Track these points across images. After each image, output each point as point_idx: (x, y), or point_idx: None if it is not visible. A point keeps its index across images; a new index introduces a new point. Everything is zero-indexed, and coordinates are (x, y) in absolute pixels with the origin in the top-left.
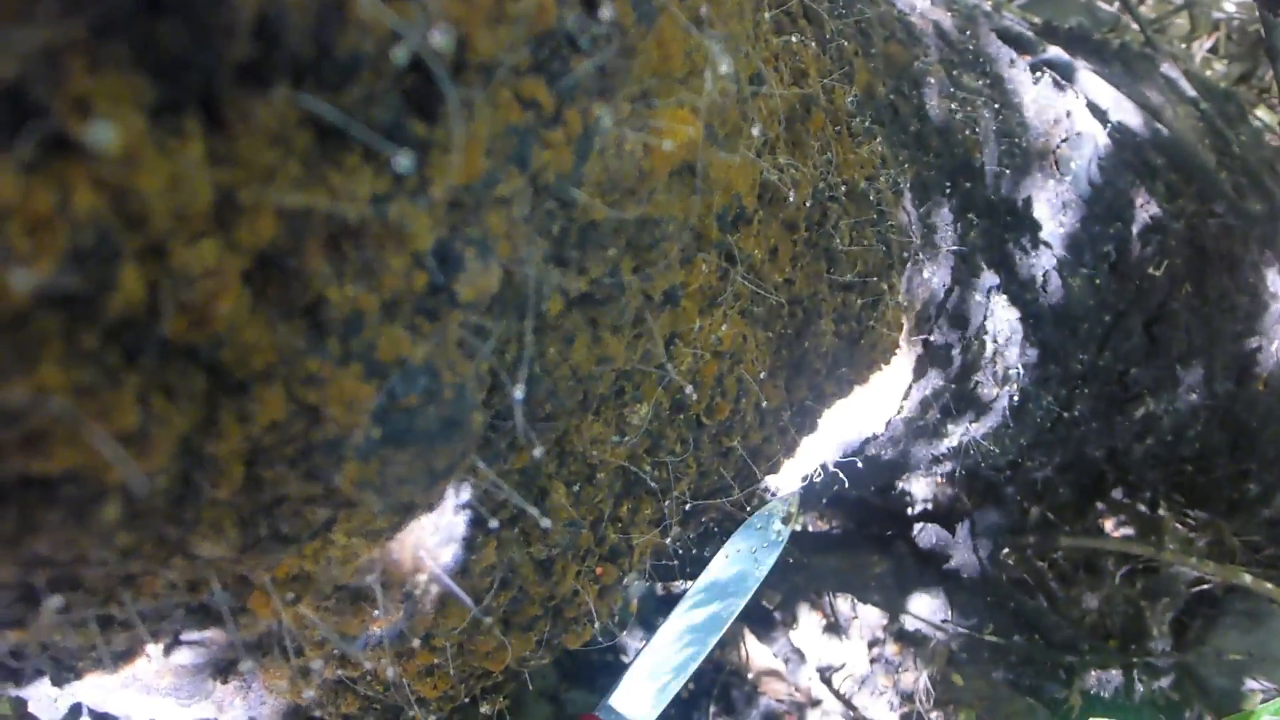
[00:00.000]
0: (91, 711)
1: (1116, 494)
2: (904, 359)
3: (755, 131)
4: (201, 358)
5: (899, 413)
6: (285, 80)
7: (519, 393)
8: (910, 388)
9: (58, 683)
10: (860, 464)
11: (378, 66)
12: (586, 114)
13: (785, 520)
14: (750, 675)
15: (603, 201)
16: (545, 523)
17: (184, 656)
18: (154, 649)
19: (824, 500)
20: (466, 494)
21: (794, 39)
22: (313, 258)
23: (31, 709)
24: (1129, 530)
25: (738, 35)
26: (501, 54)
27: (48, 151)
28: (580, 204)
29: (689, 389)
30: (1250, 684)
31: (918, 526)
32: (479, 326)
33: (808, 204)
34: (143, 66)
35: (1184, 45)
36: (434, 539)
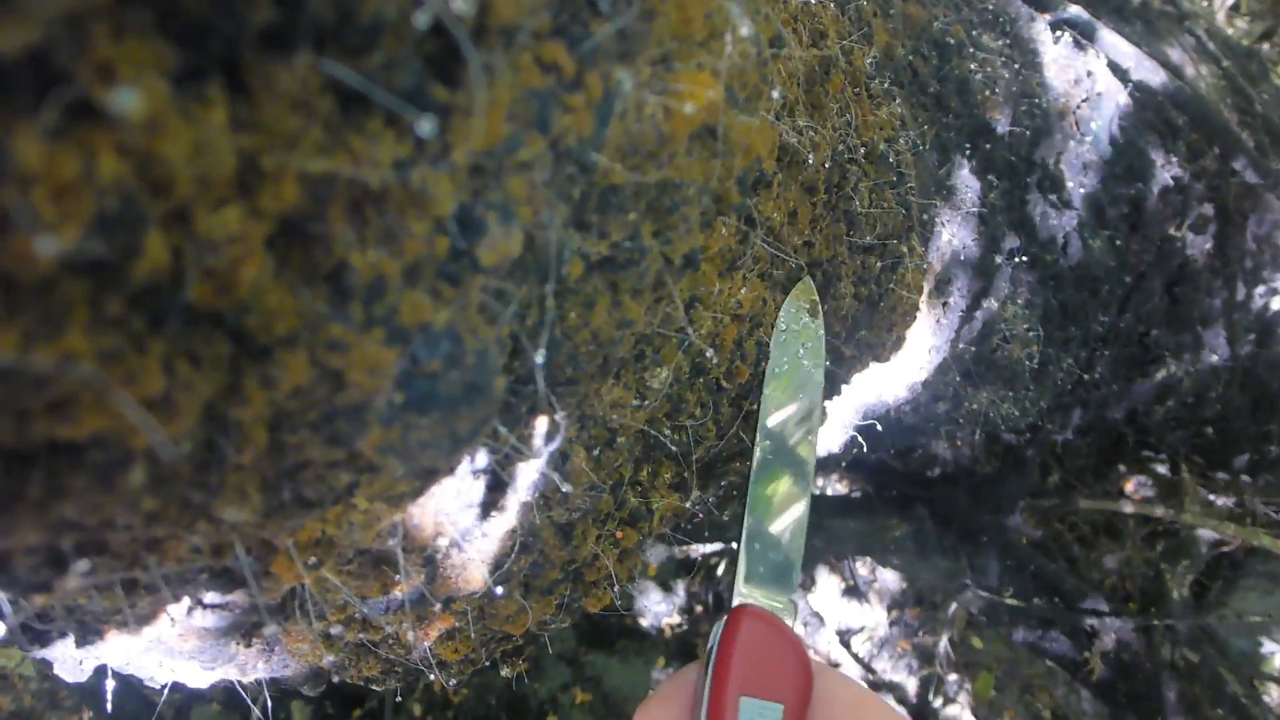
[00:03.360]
0: (115, 673)
1: (1137, 456)
2: (924, 321)
3: (775, 94)
4: (225, 323)
5: (919, 375)
6: (307, 46)
7: (540, 357)
8: (930, 350)
9: (82, 645)
10: (880, 427)
11: (399, 31)
12: (607, 78)
13: (812, 311)
14: None
15: (623, 165)
16: (566, 487)
17: (207, 620)
18: (178, 612)
19: (843, 464)
20: (487, 459)
21: (813, 0)
22: (335, 223)
23: (56, 670)
24: (1149, 493)
25: None
26: (522, 18)
27: (72, 118)
28: (601, 168)
29: (709, 352)
30: (1270, 646)
31: (937, 490)
32: (500, 291)
33: (827, 166)
34: (166, 33)
35: (1205, 3)
36: (455, 503)
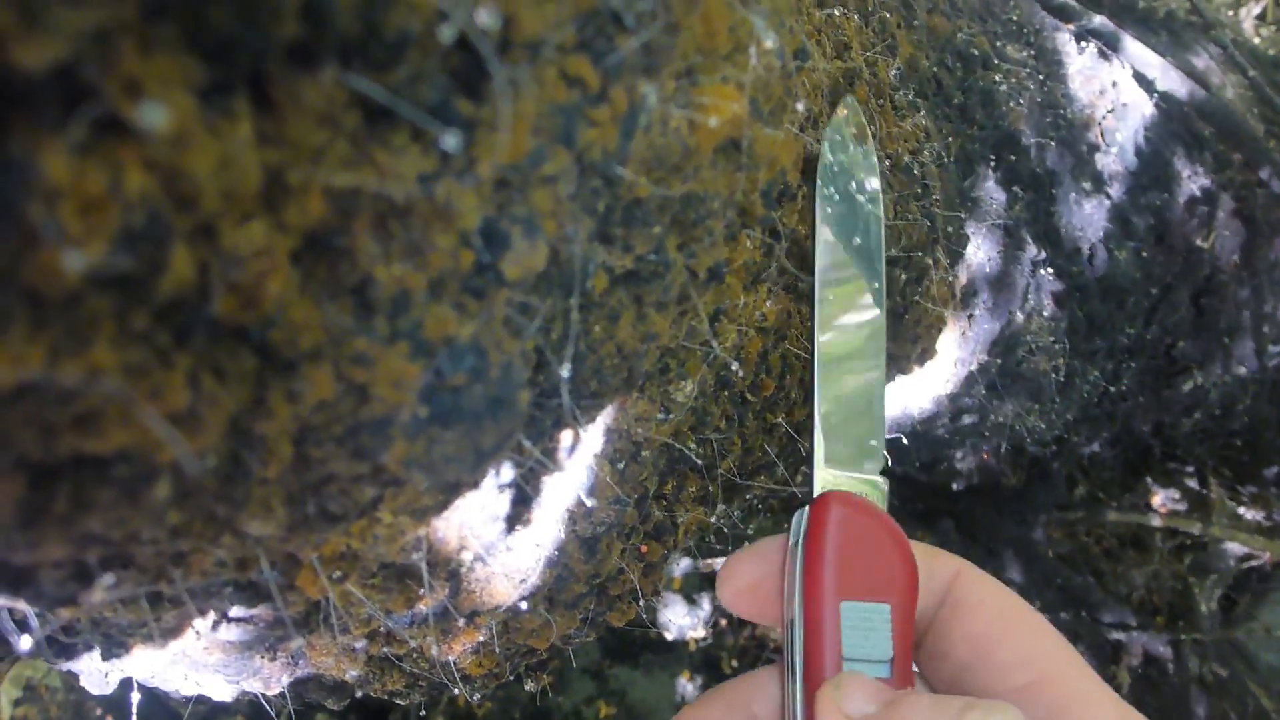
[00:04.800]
0: (141, 686)
1: (1164, 469)
2: (949, 334)
3: (800, 107)
4: (251, 338)
5: (944, 388)
6: (333, 60)
7: (565, 371)
8: (955, 363)
9: (108, 657)
10: (905, 440)
11: (425, 45)
12: (632, 91)
13: (859, 136)
14: None
15: (648, 178)
16: (590, 501)
17: (232, 633)
18: (202, 625)
19: None
20: (512, 472)
21: (836, 12)
22: (361, 237)
23: (83, 683)
24: (1177, 506)
25: (782, 9)
26: (547, 32)
27: (99, 133)
28: (625, 181)
29: (734, 365)
30: None
31: (962, 503)
32: (525, 304)
33: None
34: (193, 48)
35: (1231, 12)
36: (480, 517)
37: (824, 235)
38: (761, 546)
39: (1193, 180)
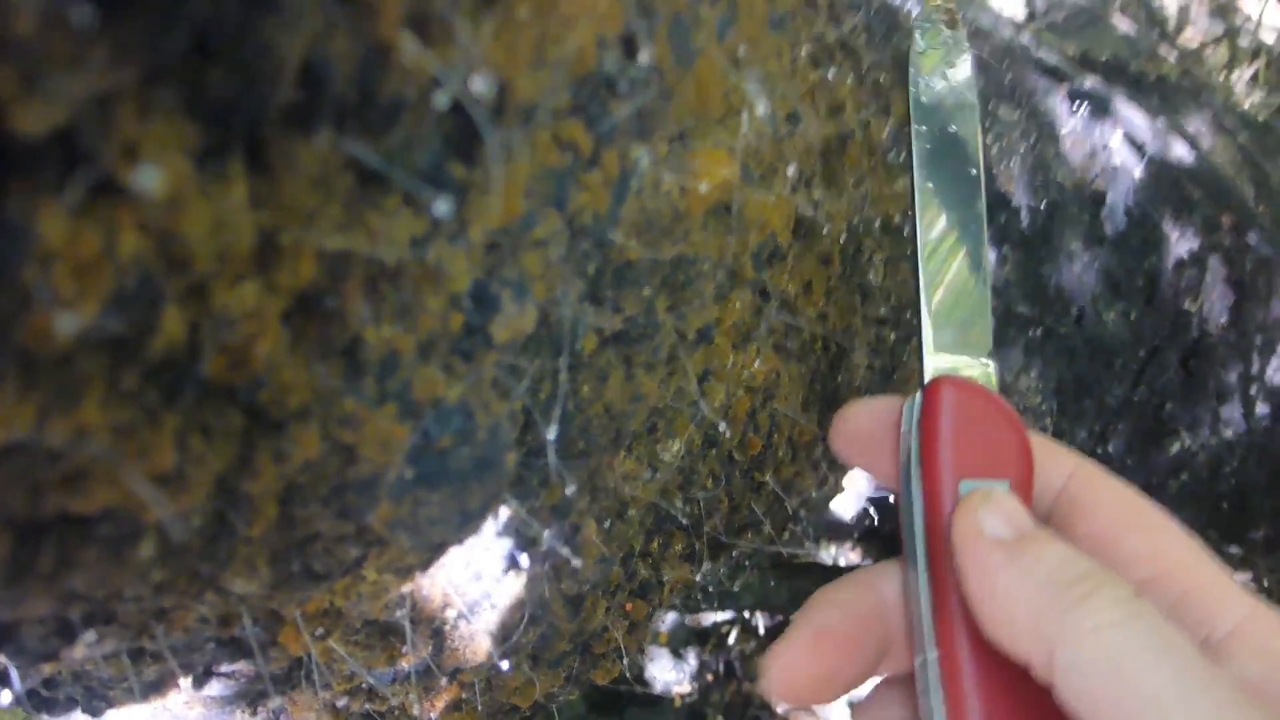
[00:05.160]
0: None
1: None
2: None
3: (791, 171)
4: (239, 397)
5: None
6: (328, 124)
7: (552, 433)
8: None
9: (89, 712)
10: (892, 499)
11: (419, 110)
12: (624, 156)
13: (951, 22)
14: (781, 710)
15: (638, 241)
16: (576, 561)
17: (214, 689)
18: (184, 681)
19: (856, 535)
20: (497, 530)
21: (831, 73)
22: (351, 299)
23: None
24: None
25: (775, 74)
26: (542, 97)
27: (94, 195)
28: (616, 244)
29: (722, 425)
30: None
31: None
32: (514, 366)
33: (842, 238)
34: (190, 111)
35: (1222, 76)
36: (464, 574)
37: (919, 126)
38: (876, 401)
39: (1182, 243)
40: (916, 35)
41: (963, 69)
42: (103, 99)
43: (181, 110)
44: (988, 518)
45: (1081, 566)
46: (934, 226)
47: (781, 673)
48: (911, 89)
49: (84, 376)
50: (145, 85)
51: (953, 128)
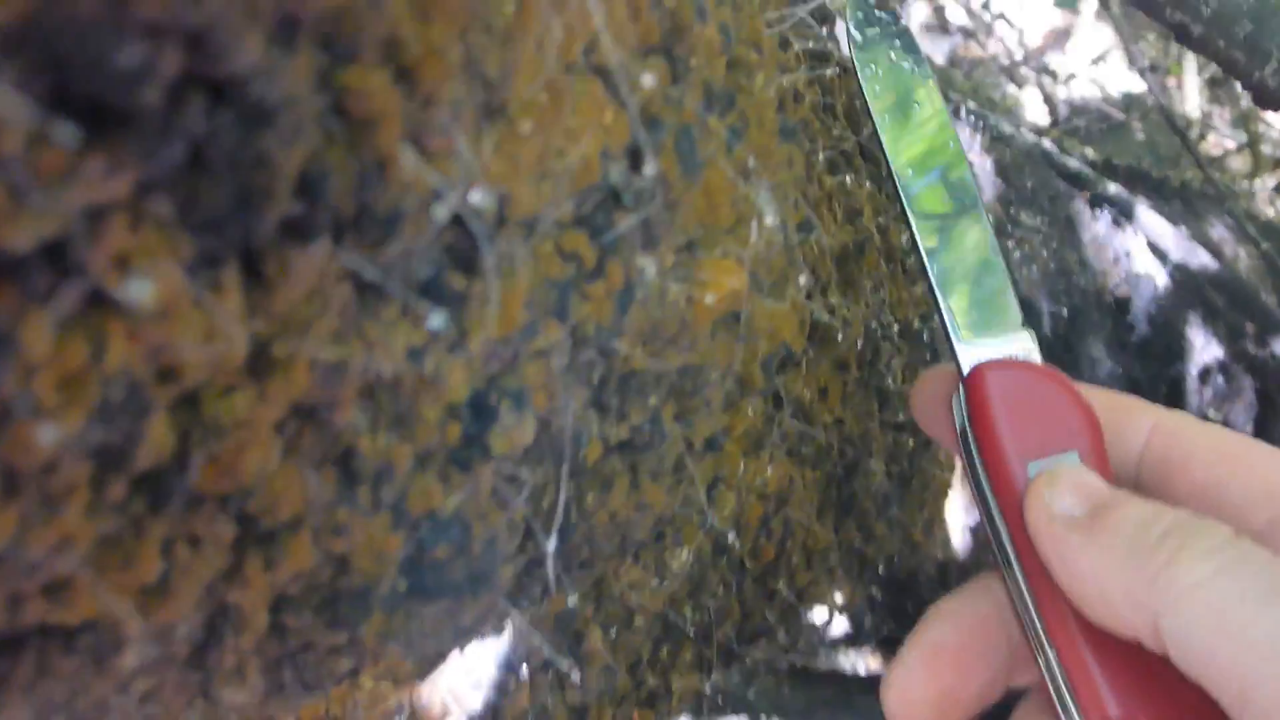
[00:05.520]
0: None
1: None
2: (956, 499)
3: (803, 279)
4: (229, 506)
5: (953, 555)
6: (325, 235)
7: (551, 544)
8: (963, 530)
9: None
10: (910, 607)
11: (418, 223)
12: (629, 266)
13: (880, 2)
14: None
15: (644, 351)
16: (576, 674)
17: None
18: None
19: (875, 641)
20: (499, 638)
21: (848, 178)
22: (346, 409)
23: None
24: None
25: (785, 183)
26: (544, 209)
27: (84, 305)
28: (621, 354)
29: (731, 535)
30: None
31: None
32: (513, 476)
33: (859, 343)
34: (184, 222)
35: (1245, 183)
36: (464, 682)
37: (877, 108)
38: (938, 370)
39: (1205, 351)
40: (850, 29)
41: (909, 45)
42: (94, 211)
43: (175, 221)
44: (1056, 499)
45: (1165, 522)
46: (926, 211)
47: (899, 698)
48: (864, 80)
49: (68, 485)
50: (138, 197)
51: (917, 104)
